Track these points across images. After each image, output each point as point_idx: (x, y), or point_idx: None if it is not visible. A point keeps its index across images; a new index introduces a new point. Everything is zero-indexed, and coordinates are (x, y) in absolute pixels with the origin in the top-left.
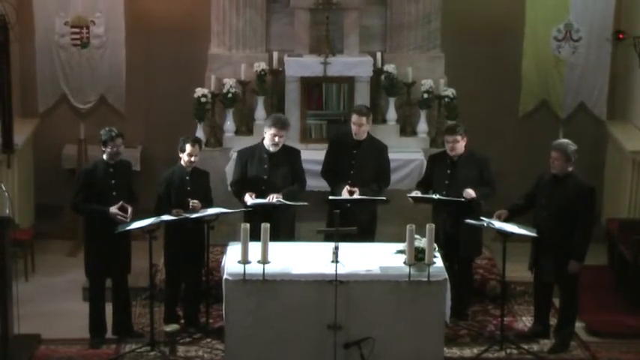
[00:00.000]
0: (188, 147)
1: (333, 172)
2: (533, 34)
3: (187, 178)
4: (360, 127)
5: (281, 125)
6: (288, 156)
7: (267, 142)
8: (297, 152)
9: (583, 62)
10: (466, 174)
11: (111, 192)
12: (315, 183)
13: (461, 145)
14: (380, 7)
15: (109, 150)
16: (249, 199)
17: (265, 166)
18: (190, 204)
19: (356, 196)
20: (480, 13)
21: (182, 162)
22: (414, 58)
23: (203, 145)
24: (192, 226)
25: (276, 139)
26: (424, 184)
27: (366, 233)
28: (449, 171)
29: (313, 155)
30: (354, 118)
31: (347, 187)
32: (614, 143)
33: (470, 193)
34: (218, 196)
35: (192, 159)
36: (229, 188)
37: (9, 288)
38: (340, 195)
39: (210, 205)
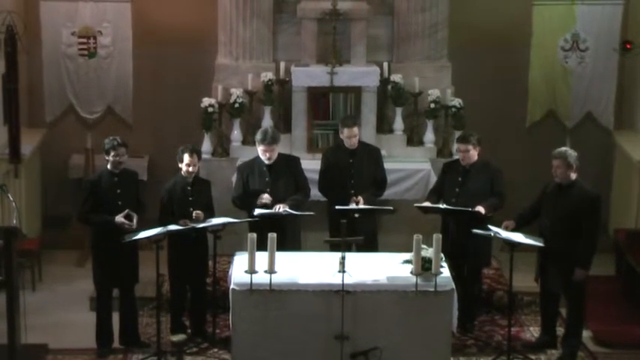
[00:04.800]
0: (186, 157)
1: (332, 185)
2: (540, 44)
3: (189, 188)
4: (354, 137)
5: (270, 141)
6: (288, 165)
7: (260, 157)
8: (297, 160)
9: (590, 72)
10: (477, 184)
11: (117, 201)
12: None
13: (472, 154)
14: (387, 17)
15: (111, 159)
16: (267, 199)
17: (266, 178)
18: (194, 214)
19: (362, 204)
20: (486, 24)
21: (182, 172)
22: (421, 68)
23: (206, 155)
24: (196, 236)
25: (267, 154)
26: (436, 192)
27: (369, 243)
28: (460, 179)
29: (320, 165)
30: (346, 132)
31: (353, 198)
32: (622, 153)
33: (480, 209)
34: (225, 205)
35: (191, 169)
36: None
37: (16, 298)
38: (346, 206)
39: (212, 215)
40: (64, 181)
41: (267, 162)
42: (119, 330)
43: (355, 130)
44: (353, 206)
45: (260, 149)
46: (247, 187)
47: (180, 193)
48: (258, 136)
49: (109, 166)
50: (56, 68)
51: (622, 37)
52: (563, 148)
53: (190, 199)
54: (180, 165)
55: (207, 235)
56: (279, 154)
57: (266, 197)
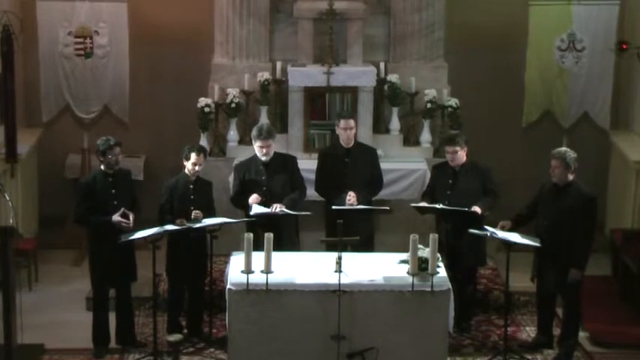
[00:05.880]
0: (193, 156)
1: (328, 184)
2: (537, 44)
3: (191, 187)
4: (350, 130)
5: (265, 136)
6: (284, 163)
7: (257, 154)
8: (294, 159)
9: (586, 72)
10: (468, 184)
11: (112, 201)
12: None
13: (461, 155)
14: (383, 17)
15: (108, 159)
16: (255, 199)
17: (263, 177)
18: (193, 214)
19: (354, 199)
20: (483, 24)
21: (186, 170)
22: (417, 68)
23: (207, 155)
24: (195, 236)
25: (264, 150)
26: (428, 195)
27: (365, 243)
28: (451, 181)
29: (316, 164)
30: (342, 123)
31: (347, 191)
32: (618, 153)
33: (476, 209)
34: (221, 205)
35: (197, 168)
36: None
37: (13, 298)
38: (343, 205)
39: (213, 215)
40: (60, 180)
41: (263, 159)
42: (116, 330)
43: (351, 122)
44: (349, 206)
45: (256, 146)
46: (244, 186)
47: (181, 191)
48: (254, 132)
49: (102, 167)
50: (53, 68)
51: (618, 38)
52: (563, 149)
53: (192, 197)
54: (185, 163)
55: (206, 236)
56: (276, 153)
57: (254, 197)
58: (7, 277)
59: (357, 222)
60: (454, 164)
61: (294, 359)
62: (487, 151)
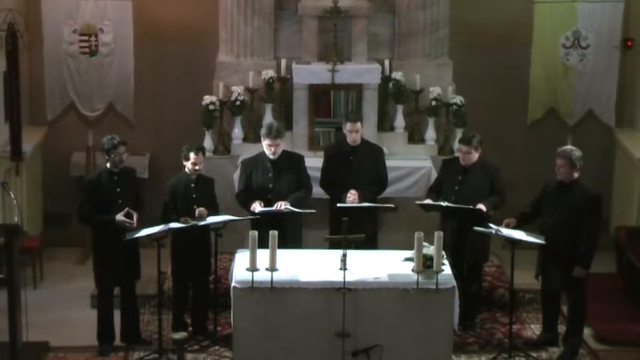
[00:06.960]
0: (192, 155)
1: (333, 182)
2: (542, 41)
3: (192, 185)
4: (356, 133)
5: (275, 135)
6: (292, 162)
7: (265, 151)
8: (301, 158)
9: (591, 69)
10: (476, 183)
11: (117, 200)
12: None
13: (473, 156)
14: (388, 14)
15: (112, 158)
16: (258, 206)
17: (270, 174)
18: (197, 212)
19: (355, 198)
20: (488, 21)
21: (187, 170)
22: (422, 66)
23: (207, 153)
24: (199, 234)
25: (272, 148)
26: (435, 189)
27: (369, 241)
28: (460, 177)
29: (321, 163)
30: (349, 126)
31: (351, 191)
32: (623, 150)
33: (481, 207)
34: (226, 203)
35: (197, 167)
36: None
37: (17, 296)
38: (345, 203)
39: (216, 212)
40: (65, 178)
41: (271, 157)
42: (120, 328)
43: (358, 125)
44: (354, 204)
45: (265, 144)
46: (250, 183)
47: (183, 190)
48: (264, 130)
49: (107, 165)
50: (57, 66)
51: (623, 35)
52: (568, 148)
53: (194, 196)
54: (185, 163)
55: (210, 234)
56: (284, 151)
57: (256, 204)
58: (12, 275)
59: (360, 220)
60: (464, 163)
61: (299, 357)
62: (491, 148)
